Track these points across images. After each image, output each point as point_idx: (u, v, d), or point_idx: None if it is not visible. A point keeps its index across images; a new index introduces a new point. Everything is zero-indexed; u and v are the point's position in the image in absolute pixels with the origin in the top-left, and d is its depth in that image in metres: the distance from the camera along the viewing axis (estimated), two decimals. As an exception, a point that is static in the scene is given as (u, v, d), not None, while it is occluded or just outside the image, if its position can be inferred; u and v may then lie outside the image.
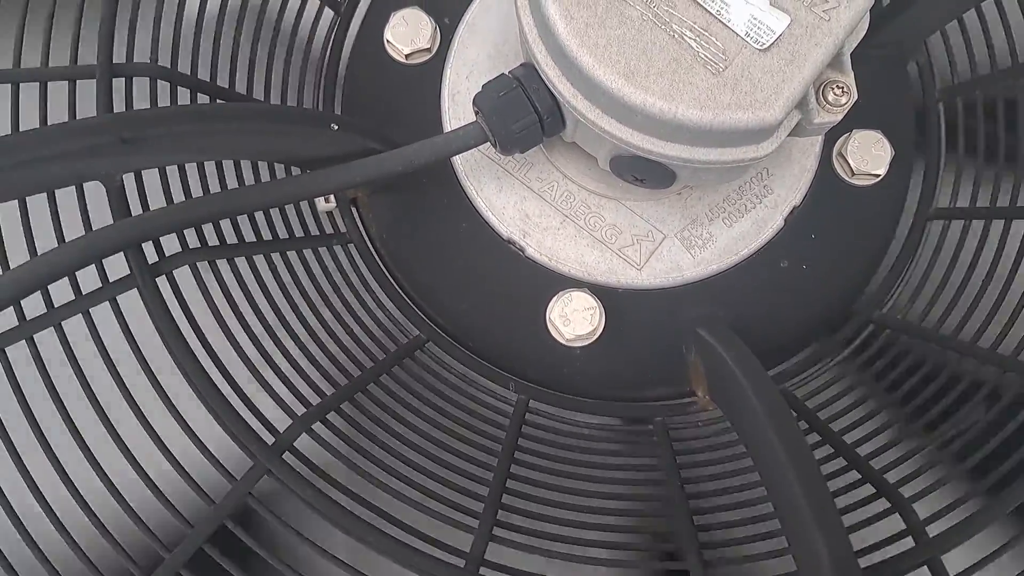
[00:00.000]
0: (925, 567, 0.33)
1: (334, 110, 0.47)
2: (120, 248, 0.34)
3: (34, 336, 0.35)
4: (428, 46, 0.45)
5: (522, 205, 0.43)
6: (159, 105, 0.39)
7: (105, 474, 0.34)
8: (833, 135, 0.44)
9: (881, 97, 0.44)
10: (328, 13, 0.47)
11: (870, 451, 0.38)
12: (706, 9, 0.33)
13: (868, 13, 0.34)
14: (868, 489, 0.37)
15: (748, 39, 0.33)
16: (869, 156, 0.43)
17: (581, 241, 0.43)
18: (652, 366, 0.43)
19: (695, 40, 0.33)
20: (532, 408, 0.43)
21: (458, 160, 0.44)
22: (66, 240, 0.35)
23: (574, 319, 0.42)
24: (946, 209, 0.45)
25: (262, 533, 0.33)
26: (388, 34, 0.45)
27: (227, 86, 0.43)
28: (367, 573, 0.33)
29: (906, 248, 0.45)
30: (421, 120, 0.45)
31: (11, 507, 0.33)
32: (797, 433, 0.33)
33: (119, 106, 0.38)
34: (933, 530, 0.34)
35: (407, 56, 0.45)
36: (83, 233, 0.36)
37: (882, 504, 0.36)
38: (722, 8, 0.33)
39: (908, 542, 0.34)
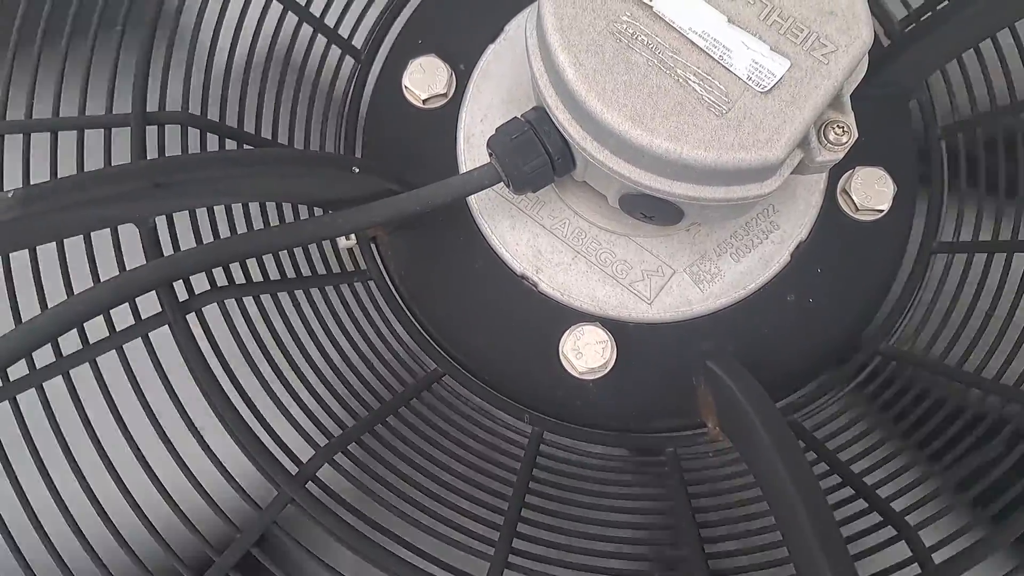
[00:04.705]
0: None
1: (355, 153, 0.48)
2: (153, 287, 0.35)
3: (71, 371, 0.36)
4: (444, 91, 0.47)
5: (535, 242, 0.45)
6: (190, 151, 0.41)
7: (136, 503, 0.35)
8: (837, 172, 0.45)
9: (884, 134, 0.45)
10: (349, 61, 0.49)
11: (877, 480, 0.39)
12: (709, 55, 0.34)
13: (867, 56, 0.35)
14: (875, 517, 0.37)
15: (750, 82, 0.34)
16: (872, 192, 0.45)
17: (592, 276, 0.44)
18: (663, 398, 0.44)
19: (699, 84, 0.34)
20: (546, 439, 0.44)
21: (473, 200, 0.45)
22: (101, 279, 0.37)
23: (586, 352, 0.43)
24: (949, 243, 0.46)
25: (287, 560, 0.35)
26: (406, 80, 0.47)
27: (253, 132, 0.44)
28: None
29: (911, 281, 0.46)
30: (438, 162, 0.46)
31: (47, 535, 0.34)
32: (804, 465, 0.33)
33: (152, 152, 0.40)
34: (939, 557, 0.35)
35: (424, 101, 0.47)
36: (117, 272, 0.38)
37: (889, 532, 0.36)
38: (724, 53, 0.34)
39: (915, 569, 0.35)
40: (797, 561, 0.32)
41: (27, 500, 0.34)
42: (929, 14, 0.46)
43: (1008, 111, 0.45)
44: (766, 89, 0.34)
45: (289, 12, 0.46)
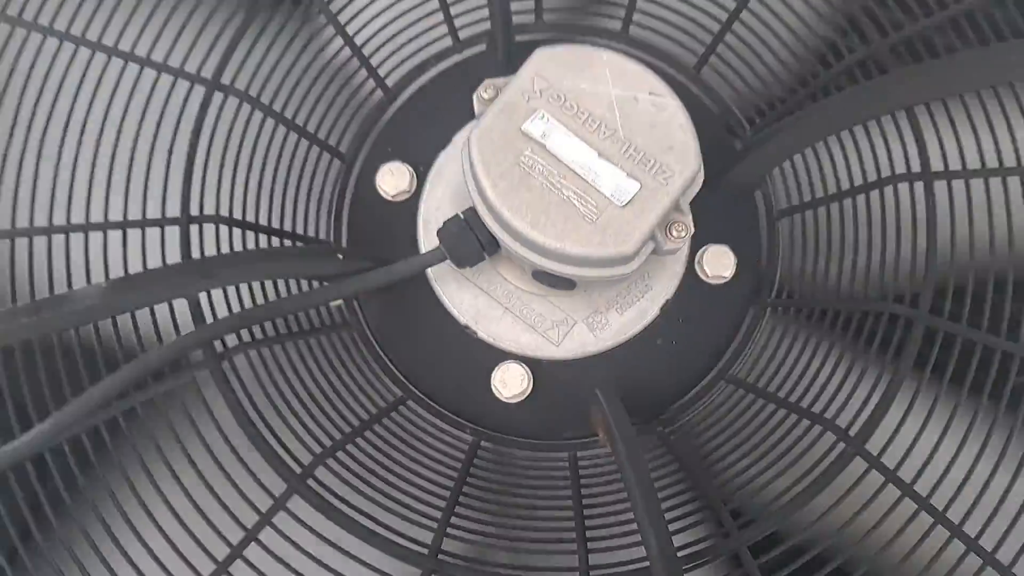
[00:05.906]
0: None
1: (341, 235, 0.59)
2: (200, 345, 0.49)
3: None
4: (408, 188, 0.57)
5: (474, 301, 0.55)
6: (224, 241, 0.54)
7: (165, 499, 0.45)
8: (695, 247, 0.55)
9: (731, 219, 0.56)
10: (337, 163, 0.60)
11: (716, 474, 0.52)
12: (584, 179, 0.45)
13: (701, 174, 0.47)
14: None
15: (613, 199, 0.45)
16: (720, 264, 0.55)
17: (517, 326, 0.54)
18: (567, 415, 0.54)
19: (578, 200, 0.45)
20: (481, 446, 0.54)
21: (429, 270, 0.55)
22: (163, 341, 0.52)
23: (510, 383, 0.54)
24: (779, 300, 0.56)
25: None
26: (378, 180, 0.57)
27: (267, 223, 0.58)
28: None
29: (750, 327, 0.56)
30: (403, 243, 0.56)
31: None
32: (644, 468, 0.43)
33: (195, 242, 0.54)
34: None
35: (392, 196, 0.57)
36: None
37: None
38: (596, 178, 0.46)
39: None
40: (641, 529, 0.45)
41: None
42: (767, 128, 0.59)
43: (825, 200, 0.57)
44: (623, 204, 0.45)
45: (290, 131, 0.59)
